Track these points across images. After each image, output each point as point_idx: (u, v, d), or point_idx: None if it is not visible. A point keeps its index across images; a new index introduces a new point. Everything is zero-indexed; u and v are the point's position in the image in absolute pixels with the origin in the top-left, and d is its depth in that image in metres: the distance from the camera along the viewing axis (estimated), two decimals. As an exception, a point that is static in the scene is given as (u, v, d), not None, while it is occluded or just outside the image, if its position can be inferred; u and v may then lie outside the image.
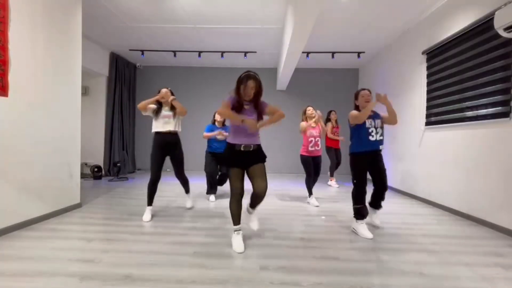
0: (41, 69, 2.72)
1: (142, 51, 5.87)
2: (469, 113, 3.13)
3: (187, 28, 4.74)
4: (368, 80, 6.38)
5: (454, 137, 3.35)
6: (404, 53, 4.63)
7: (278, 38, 5.08)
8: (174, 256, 2.00)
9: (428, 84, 3.90)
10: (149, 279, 1.67)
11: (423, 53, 3.97)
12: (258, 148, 2.28)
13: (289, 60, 4.68)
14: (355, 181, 2.59)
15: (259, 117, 2.24)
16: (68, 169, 3.12)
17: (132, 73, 6.90)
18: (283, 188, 4.82)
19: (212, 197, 3.82)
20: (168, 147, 2.96)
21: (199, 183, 4.88)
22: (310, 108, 3.82)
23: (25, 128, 2.55)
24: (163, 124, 2.91)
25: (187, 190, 3.34)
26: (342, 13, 4.05)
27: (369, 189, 2.59)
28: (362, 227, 2.51)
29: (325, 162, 5.78)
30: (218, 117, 3.80)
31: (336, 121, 5.32)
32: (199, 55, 5.93)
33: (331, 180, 5.30)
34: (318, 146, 3.66)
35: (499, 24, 2.39)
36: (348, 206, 3.47)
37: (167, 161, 3.01)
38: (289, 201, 3.85)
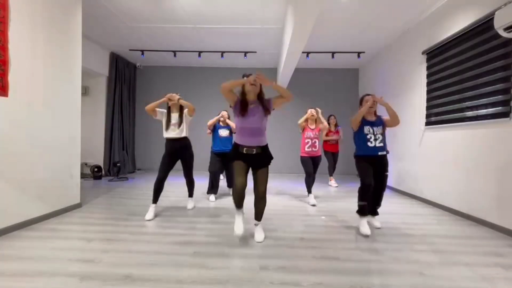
0: (41, 69, 2.72)
1: (142, 51, 5.87)
2: (469, 113, 3.13)
3: (187, 28, 4.74)
4: (368, 80, 6.38)
5: (454, 137, 3.35)
6: (404, 53, 4.63)
7: (278, 38, 5.08)
8: (174, 256, 2.00)
9: (428, 84, 3.90)
10: (149, 279, 1.67)
11: (423, 53, 3.97)
12: (263, 150, 2.29)
13: (289, 60, 4.67)
14: (360, 178, 2.66)
15: (265, 113, 2.28)
16: (68, 169, 3.12)
17: (132, 73, 6.90)
18: (283, 188, 4.82)
19: (212, 197, 3.84)
20: (178, 152, 3.12)
21: (197, 183, 4.88)
22: (311, 110, 3.83)
23: (25, 128, 2.55)
24: (171, 131, 3.08)
25: (190, 194, 3.36)
26: (342, 13, 4.05)
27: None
28: (362, 223, 2.57)
29: (324, 163, 5.81)
30: (224, 115, 3.92)
31: (335, 125, 5.42)
32: (199, 55, 5.93)
33: (330, 180, 5.33)
34: (315, 147, 3.73)
35: (499, 24, 2.39)
36: (348, 206, 3.49)
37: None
38: (289, 201, 3.85)
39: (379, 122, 2.66)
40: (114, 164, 5.85)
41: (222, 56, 5.91)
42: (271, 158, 2.36)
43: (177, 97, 3.06)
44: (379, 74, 5.74)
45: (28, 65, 2.57)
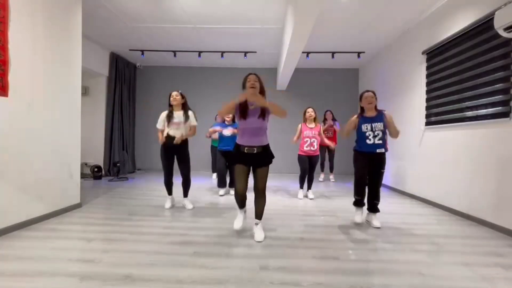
0: (41, 69, 2.72)
1: (142, 51, 5.87)
2: (469, 113, 3.13)
3: (187, 28, 4.74)
4: (368, 80, 6.38)
5: (454, 137, 3.35)
6: (404, 53, 4.63)
7: (278, 38, 5.08)
8: (174, 256, 2.00)
9: (428, 84, 3.90)
10: (149, 279, 1.67)
11: (423, 53, 3.97)
12: (264, 149, 2.34)
13: (289, 60, 4.67)
14: (354, 173, 2.79)
15: (264, 116, 2.31)
16: (68, 169, 3.12)
17: (132, 73, 6.90)
18: (283, 188, 4.82)
19: (221, 190, 4.16)
20: (174, 149, 3.17)
21: (197, 182, 4.90)
22: (310, 109, 3.88)
23: (25, 128, 2.55)
24: (172, 130, 3.12)
25: (185, 194, 3.38)
26: (342, 13, 4.05)
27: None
28: (356, 213, 2.82)
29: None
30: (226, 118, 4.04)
31: (332, 119, 5.59)
32: (199, 55, 5.93)
33: (322, 175, 5.72)
34: (313, 147, 3.79)
35: (499, 24, 2.39)
36: (347, 206, 3.49)
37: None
38: (289, 201, 3.85)
39: (380, 118, 2.65)
40: (114, 164, 5.85)
41: (222, 56, 5.91)
42: (272, 157, 2.39)
43: (189, 133, 3.22)
44: (379, 74, 5.74)
45: (28, 65, 2.57)
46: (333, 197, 4.15)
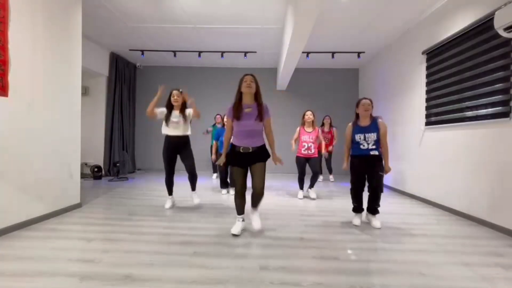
0: (41, 69, 2.72)
1: (142, 51, 5.87)
2: (469, 113, 3.13)
3: (187, 28, 4.74)
4: (368, 80, 6.38)
5: (454, 137, 3.35)
6: (404, 53, 4.63)
7: (278, 38, 5.08)
8: (174, 256, 2.00)
9: (428, 84, 3.90)
10: (149, 279, 1.67)
11: (423, 53, 3.97)
12: (259, 148, 2.37)
13: (289, 60, 4.68)
14: (350, 181, 2.87)
15: (259, 119, 2.33)
16: (68, 169, 3.12)
17: (132, 73, 6.90)
18: (283, 188, 4.82)
19: (224, 190, 4.26)
20: (177, 148, 3.21)
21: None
22: (309, 112, 3.91)
23: (25, 128, 2.55)
24: (172, 129, 3.14)
25: (193, 187, 3.42)
26: (342, 13, 4.05)
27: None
28: (355, 217, 2.86)
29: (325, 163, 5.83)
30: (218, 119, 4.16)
31: (330, 125, 5.61)
32: (199, 55, 5.93)
33: (321, 176, 5.84)
34: (311, 150, 3.87)
35: (499, 24, 2.39)
36: (347, 206, 3.48)
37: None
38: (289, 201, 3.84)
39: (374, 128, 2.67)
40: (114, 164, 5.85)
41: (222, 56, 5.91)
42: (268, 155, 2.42)
43: (190, 99, 3.12)
44: (379, 74, 5.74)
45: (28, 65, 2.57)
46: (333, 197, 4.15)
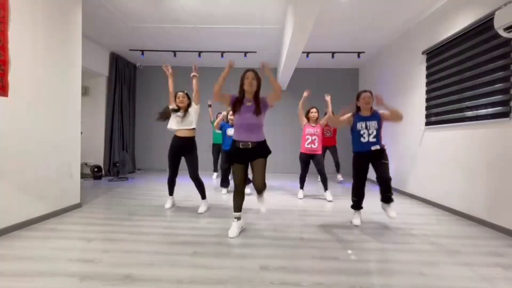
0: (41, 69, 2.72)
1: (142, 51, 5.87)
2: (469, 113, 3.13)
3: (187, 28, 4.74)
4: (368, 80, 6.38)
5: (454, 137, 3.35)
6: (404, 53, 4.62)
7: (278, 38, 5.08)
8: (174, 256, 2.00)
9: (428, 84, 3.90)
10: (149, 279, 1.67)
11: (423, 53, 3.97)
12: (259, 144, 2.38)
13: (289, 60, 4.67)
14: (353, 177, 2.83)
15: (260, 111, 2.36)
16: (68, 169, 3.12)
17: (132, 73, 6.90)
18: (283, 188, 4.82)
19: (224, 190, 4.25)
20: (182, 150, 3.17)
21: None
22: (313, 109, 3.92)
23: (25, 128, 2.55)
24: (176, 123, 3.13)
25: (203, 196, 3.23)
26: (342, 13, 4.05)
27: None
28: (354, 216, 2.86)
29: (327, 160, 5.82)
30: (230, 117, 4.03)
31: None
32: (199, 55, 5.93)
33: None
34: (314, 144, 3.80)
35: (499, 24, 2.39)
36: (348, 206, 3.48)
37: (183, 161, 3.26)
38: (289, 201, 3.84)
39: (375, 117, 2.69)
40: (114, 164, 5.85)
41: (222, 56, 5.91)
42: (269, 152, 2.43)
43: (193, 73, 3.30)
44: (379, 74, 5.74)
45: (28, 65, 2.57)
46: (335, 198, 4.14)
